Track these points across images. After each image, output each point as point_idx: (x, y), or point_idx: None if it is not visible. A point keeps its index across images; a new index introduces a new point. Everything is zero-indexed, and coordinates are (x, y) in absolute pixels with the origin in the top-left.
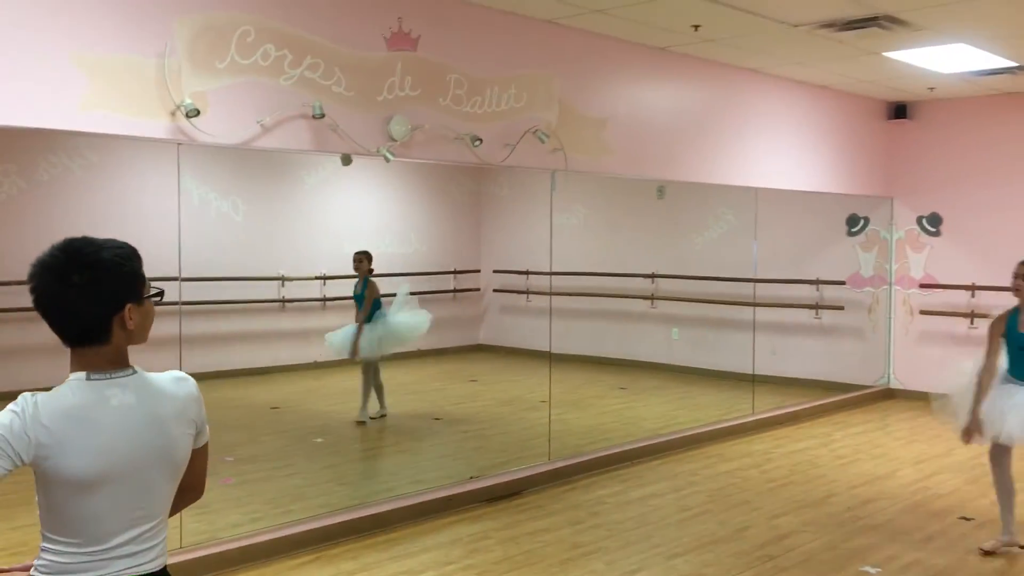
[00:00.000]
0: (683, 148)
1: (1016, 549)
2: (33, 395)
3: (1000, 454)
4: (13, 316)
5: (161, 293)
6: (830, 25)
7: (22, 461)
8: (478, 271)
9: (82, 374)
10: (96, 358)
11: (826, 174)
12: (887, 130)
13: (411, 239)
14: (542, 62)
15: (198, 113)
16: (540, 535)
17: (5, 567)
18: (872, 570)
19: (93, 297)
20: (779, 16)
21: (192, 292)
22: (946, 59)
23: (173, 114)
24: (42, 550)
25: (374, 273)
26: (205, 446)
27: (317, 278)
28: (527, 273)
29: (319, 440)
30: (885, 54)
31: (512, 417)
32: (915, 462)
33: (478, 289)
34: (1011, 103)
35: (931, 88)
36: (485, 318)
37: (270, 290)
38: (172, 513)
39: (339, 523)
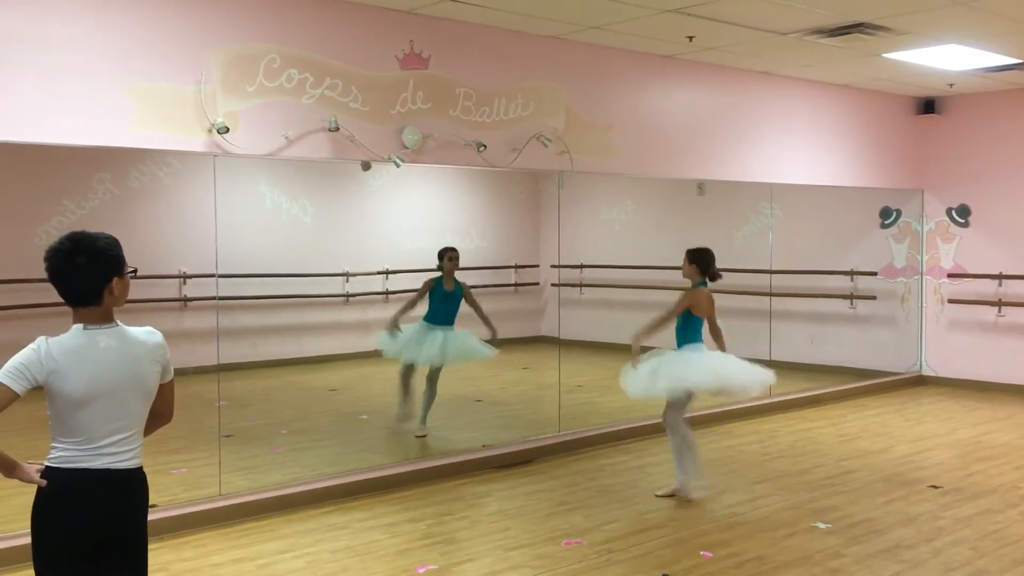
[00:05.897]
0: (693, 147)
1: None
2: (46, 338)
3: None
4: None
5: (135, 270)
6: (817, 32)
7: (37, 382)
8: (537, 266)
9: (80, 325)
10: (90, 315)
11: (856, 169)
12: (917, 124)
13: (472, 235)
14: (548, 74)
15: (228, 130)
16: (536, 494)
17: (30, 461)
18: (822, 525)
19: (90, 273)
20: (766, 26)
21: (265, 287)
22: (946, 58)
23: (208, 131)
24: (52, 448)
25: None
26: (170, 382)
27: (379, 273)
28: (581, 267)
29: (364, 417)
30: (885, 55)
31: (548, 399)
32: (914, 440)
33: (537, 283)
34: None
35: (951, 84)
36: (545, 310)
37: (335, 285)
38: (147, 433)
39: (360, 480)
